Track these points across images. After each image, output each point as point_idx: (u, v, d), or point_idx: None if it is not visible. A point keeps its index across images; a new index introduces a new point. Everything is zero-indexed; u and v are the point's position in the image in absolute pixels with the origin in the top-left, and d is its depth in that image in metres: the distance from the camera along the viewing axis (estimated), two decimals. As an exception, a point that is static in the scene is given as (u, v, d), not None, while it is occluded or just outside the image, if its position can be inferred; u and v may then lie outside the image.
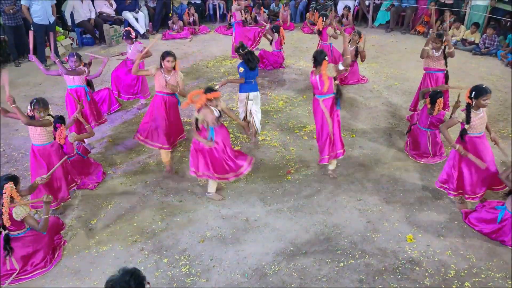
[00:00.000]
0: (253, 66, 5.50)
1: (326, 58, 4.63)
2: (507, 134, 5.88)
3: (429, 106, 5.05)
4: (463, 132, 4.23)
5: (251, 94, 5.62)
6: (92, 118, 5.68)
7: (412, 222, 4.32)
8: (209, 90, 4.32)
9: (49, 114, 4.33)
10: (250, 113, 5.70)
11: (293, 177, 5.09)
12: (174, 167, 5.26)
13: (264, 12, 10.28)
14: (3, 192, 3.56)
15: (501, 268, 3.76)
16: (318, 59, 4.64)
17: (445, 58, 5.68)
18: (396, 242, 4.07)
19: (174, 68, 4.93)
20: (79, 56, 5.48)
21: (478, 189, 4.33)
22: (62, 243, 4.12)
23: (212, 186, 4.69)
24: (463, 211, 4.38)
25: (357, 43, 7.41)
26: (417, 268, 3.77)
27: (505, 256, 3.87)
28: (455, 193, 4.42)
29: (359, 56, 7.44)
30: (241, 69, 5.50)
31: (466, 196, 4.38)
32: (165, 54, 4.87)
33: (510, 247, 3.93)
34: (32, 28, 8.67)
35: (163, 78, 4.92)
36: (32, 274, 3.77)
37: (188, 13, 11.33)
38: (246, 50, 5.56)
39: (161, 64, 4.90)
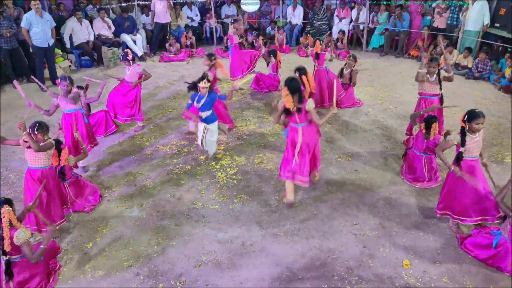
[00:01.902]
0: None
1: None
2: (501, 158, 5.95)
3: (424, 131, 5.11)
4: (460, 156, 4.27)
5: None
6: (88, 141, 5.72)
7: (408, 247, 4.33)
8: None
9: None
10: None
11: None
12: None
13: (262, 39, 10.46)
14: (2, 216, 3.54)
15: (498, 294, 3.76)
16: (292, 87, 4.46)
17: (440, 82, 5.79)
18: (393, 267, 4.07)
19: None
20: (71, 80, 5.50)
21: (470, 213, 4.34)
22: (57, 267, 4.07)
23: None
24: (458, 236, 4.40)
25: (353, 67, 7.55)
26: (413, 295, 3.77)
27: (501, 283, 3.87)
28: (441, 212, 4.52)
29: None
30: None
31: (454, 217, 4.42)
32: None
33: (508, 274, 3.92)
34: (31, 50, 8.80)
35: None
36: (26, 300, 3.73)
37: (186, 36, 11.50)
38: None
39: None
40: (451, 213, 4.45)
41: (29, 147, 4.27)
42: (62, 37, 10.23)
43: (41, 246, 3.69)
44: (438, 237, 4.47)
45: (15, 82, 5.71)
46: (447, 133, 4.98)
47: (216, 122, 5.78)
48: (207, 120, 5.66)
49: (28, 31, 8.35)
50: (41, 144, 4.28)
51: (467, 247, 4.22)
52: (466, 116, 4.18)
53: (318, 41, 7.44)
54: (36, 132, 4.26)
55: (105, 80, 6.32)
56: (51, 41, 8.67)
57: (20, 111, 7.71)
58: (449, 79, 5.75)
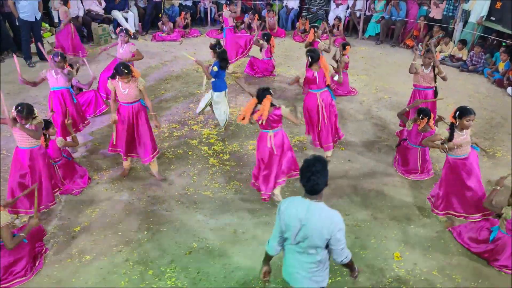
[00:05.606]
0: (225, 66, 5.74)
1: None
2: (493, 153, 5.97)
3: (419, 123, 5.07)
4: (444, 143, 4.24)
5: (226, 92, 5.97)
6: (79, 121, 5.60)
7: (400, 239, 4.34)
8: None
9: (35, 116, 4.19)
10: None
11: (282, 189, 5.05)
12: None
13: (258, 20, 10.23)
14: None
15: (486, 289, 3.80)
16: (315, 57, 5.09)
17: (435, 75, 5.75)
18: (384, 259, 4.07)
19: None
20: (63, 56, 5.33)
21: (472, 210, 4.34)
22: (43, 251, 4.00)
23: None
24: (451, 229, 4.42)
25: (343, 55, 7.47)
26: (403, 287, 3.78)
27: (491, 277, 3.90)
28: (442, 213, 4.48)
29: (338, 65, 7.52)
30: (215, 68, 5.66)
31: (457, 214, 4.41)
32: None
33: (508, 273, 3.94)
34: (18, 23, 8.48)
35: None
36: (11, 283, 3.64)
37: (184, 16, 11.22)
38: (222, 48, 5.96)
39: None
40: (454, 212, 4.42)
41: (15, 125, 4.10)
42: (50, 11, 9.87)
43: (21, 234, 3.61)
44: (429, 229, 4.49)
45: (14, 57, 5.32)
46: (439, 119, 4.99)
47: (222, 93, 5.86)
48: (215, 87, 5.84)
49: (14, 4, 8.03)
50: (32, 128, 4.11)
51: (463, 240, 4.23)
52: (457, 112, 4.15)
53: (312, 29, 7.23)
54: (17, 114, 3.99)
55: (94, 75, 5.96)
56: (39, 15, 8.35)
57: (5, 86, 7.46)
58: (442, 78, 5.73)
